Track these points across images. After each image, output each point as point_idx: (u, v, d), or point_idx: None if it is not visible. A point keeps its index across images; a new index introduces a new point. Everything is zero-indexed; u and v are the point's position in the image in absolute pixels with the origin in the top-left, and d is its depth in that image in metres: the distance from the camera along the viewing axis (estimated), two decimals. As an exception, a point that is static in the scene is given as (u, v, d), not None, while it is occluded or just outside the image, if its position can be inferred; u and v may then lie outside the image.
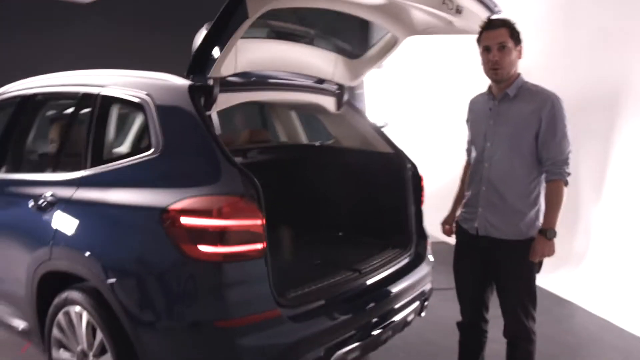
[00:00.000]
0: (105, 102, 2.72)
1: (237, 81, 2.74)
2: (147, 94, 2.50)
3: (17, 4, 7.47)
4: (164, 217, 2.18)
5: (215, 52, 2.30)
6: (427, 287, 3.10)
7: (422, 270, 3.08)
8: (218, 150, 2.25)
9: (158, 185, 2.33)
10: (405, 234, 3.18)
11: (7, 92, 3.37)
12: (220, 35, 2.25)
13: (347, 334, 2.46)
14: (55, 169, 2.84)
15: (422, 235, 3.22)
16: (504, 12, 2.77)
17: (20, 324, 2.97)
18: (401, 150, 3.26)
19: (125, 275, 2.30)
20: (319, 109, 3.35)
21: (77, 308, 2.49)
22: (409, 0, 2.39)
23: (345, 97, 3.31)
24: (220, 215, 2.11)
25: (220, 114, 4.49)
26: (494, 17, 2.74)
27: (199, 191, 2.19)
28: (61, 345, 2.66)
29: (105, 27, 7.46)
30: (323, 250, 3.21)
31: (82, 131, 2.77)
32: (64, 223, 2.56)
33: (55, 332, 2.66)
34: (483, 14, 2.72)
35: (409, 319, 2.91)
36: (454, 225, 2.88)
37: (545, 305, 4.35)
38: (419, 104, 7.83)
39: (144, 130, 2.50)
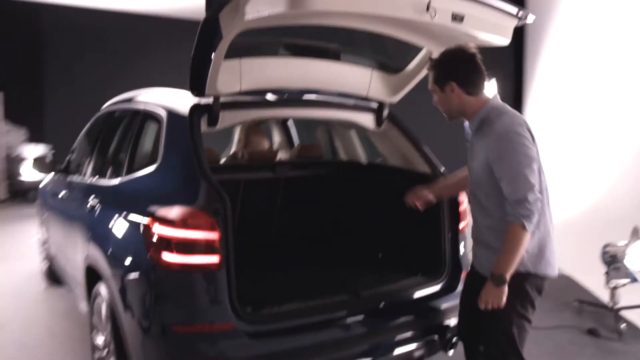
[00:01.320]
0: (144, 118, 3.04)
1: (246, 100, 2.83)
2: (164, 111, 2.74)
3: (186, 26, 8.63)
4: (144, 225, 2.38)
5: (204, 71, 2.43)
6: (454, 321, 2.82)
7: (448, 302, 2.81)
8: (196, 166, 2.38)
9: (153, 195, 2.54)
10: (437, 261, 2.94)
11: (105, 108, 3.94)
12: (203, 56, 2.37)
13: (324, 357, 2.39)
14: (111, 176, 3.24)
15: (457, 264, 2.93)
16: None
17: (84, 307, 3.43)
18: (439, 171, 3.02)
19: (119, 275, 2.54)
20: (356, 127, 3.26)
21: (102, 300, 2.82)
22: (384, 11, 2.21)
23: (385, 113, 3.17)
24: (179, 225, 2.23)
25: (303, 129, 4.65)
26: (520, 23, 2.43)
27: (172, 204, 2.34)
28: (99, 331, 3.02)
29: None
30: (343, 271, 3.11)
31: (127, 143, 3.13)
32: (97, 224, 2.92)
33: (95, 318, 3.03)
34: (503, 22, 2.41)
35: (417, 354, 2.68)
36: None
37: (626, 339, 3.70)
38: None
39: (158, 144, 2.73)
